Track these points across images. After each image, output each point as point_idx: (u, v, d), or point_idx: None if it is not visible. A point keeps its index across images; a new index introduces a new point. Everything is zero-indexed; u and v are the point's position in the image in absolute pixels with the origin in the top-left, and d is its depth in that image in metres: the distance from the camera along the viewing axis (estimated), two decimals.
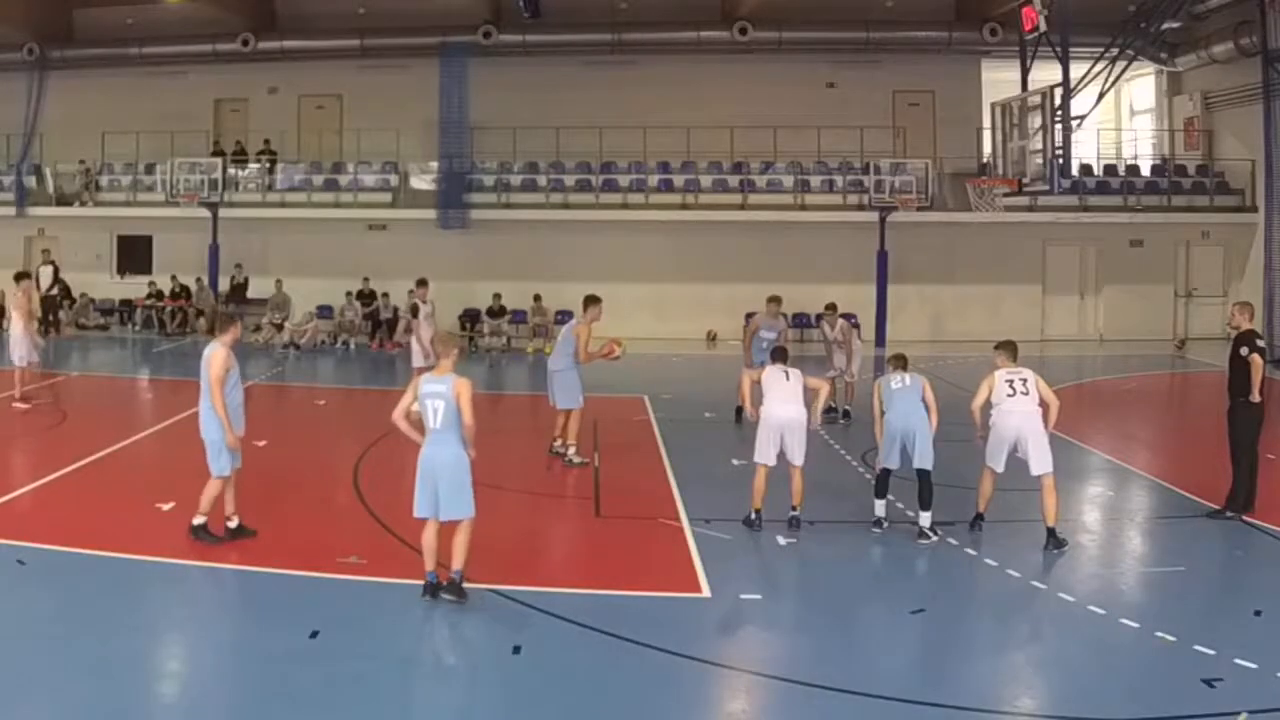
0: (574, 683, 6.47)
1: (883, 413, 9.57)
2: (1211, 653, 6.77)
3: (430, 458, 7.50)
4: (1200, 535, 9.73)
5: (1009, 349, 9.59)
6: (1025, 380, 9.26)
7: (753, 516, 9.58)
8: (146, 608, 7.57)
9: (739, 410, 13.90)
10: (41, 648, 6.71)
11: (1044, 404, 9.28)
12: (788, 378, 9.65)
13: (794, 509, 9.58)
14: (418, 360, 15.24)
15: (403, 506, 9.93)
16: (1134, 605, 7.82)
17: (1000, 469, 9.30)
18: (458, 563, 7.55)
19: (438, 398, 7.51)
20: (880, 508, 9.63)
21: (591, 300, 12.25)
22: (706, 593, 8.00)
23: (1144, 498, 11.35)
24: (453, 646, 7.25)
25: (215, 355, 8.57)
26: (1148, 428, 15.97)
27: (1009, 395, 9.21)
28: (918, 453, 9.36)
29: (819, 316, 15.87)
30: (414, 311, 15.50)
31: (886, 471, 9.61)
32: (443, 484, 7.46)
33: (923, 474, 9.37)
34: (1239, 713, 5.92)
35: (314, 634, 6.97)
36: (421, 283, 15.48)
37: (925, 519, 9.36)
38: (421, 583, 7.60)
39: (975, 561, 8.84)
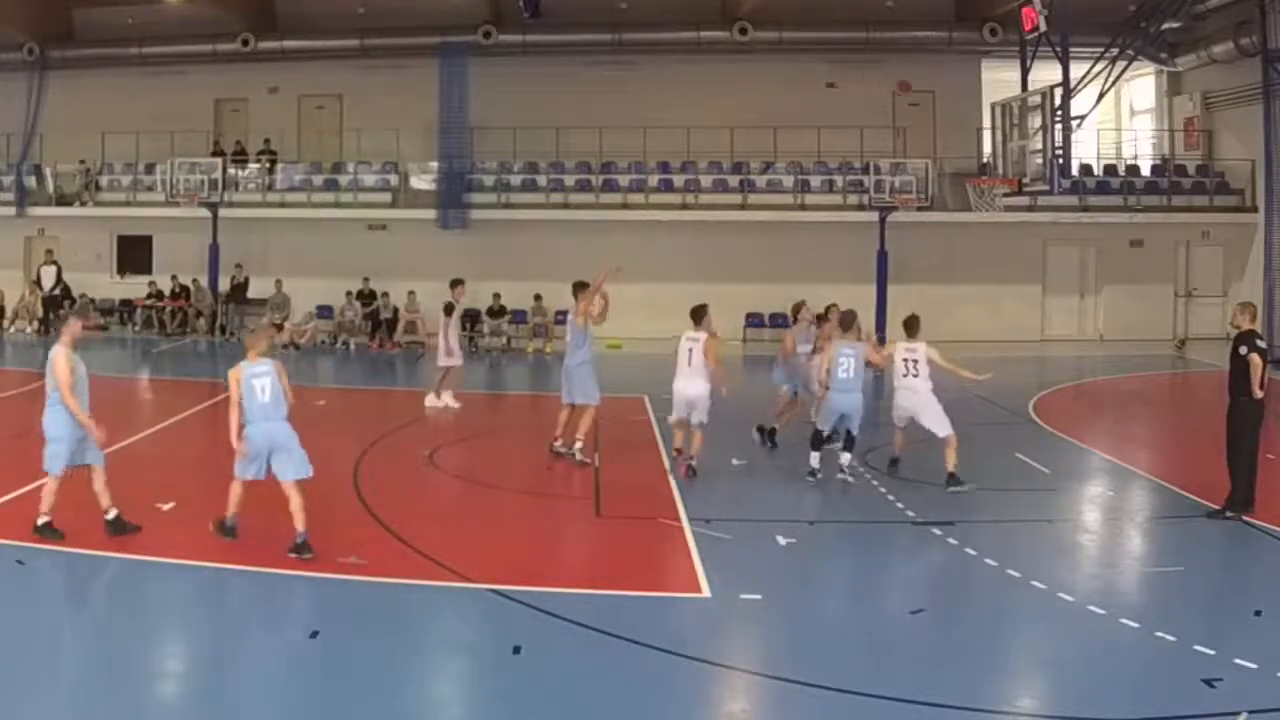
0: (574, 683, 6.46)
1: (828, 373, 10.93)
2: (1211, 653, 6.75)
3: (268, 432, 8.36)
4: (1200, 535, 9.73)
5: (909, 324, 11.09)
6: (916, 361, 10.79)
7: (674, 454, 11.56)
8: (146, 608, 7.56)
9: (760, 430, 13.14)
10: (41, 648, 6.71)
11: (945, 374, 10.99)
12: (689, 360, 11.15)
13: (690, 459, 11.09)
14: (442, 359, 15.36)
15: (403, 507, 10.02)
16: (1134, 605, 7.81)
17: (901, 427, 11.22)
18: (301, 524, 8.18)
19: (264, 377, 8.42)
20: (815, 459, 10.99)
21: (580, 286, 12.32)
22: (706, 593, 7.98)
23: (1144, 498, 11.35)
24: (453, 646, 7.24)
25: (57, 358, 8.64)
26: (1148, 428, 15.98)
27: (903, 375, 10.90)
28: (854, 425, 11.02)
29: (819, 317, 15.73)
30: (447, 310, 15.58)
31: (819, 432, 11.06)
32: (283, 452, 8.31)
33: (851, 435, 11.03)
34: (1239, 713, 5.92)
35: (314, 634, 6.97)
36: (457, 282, 15.53)
37: (846, 459, 11.07)
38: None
39: (975, 561, 8.84)
